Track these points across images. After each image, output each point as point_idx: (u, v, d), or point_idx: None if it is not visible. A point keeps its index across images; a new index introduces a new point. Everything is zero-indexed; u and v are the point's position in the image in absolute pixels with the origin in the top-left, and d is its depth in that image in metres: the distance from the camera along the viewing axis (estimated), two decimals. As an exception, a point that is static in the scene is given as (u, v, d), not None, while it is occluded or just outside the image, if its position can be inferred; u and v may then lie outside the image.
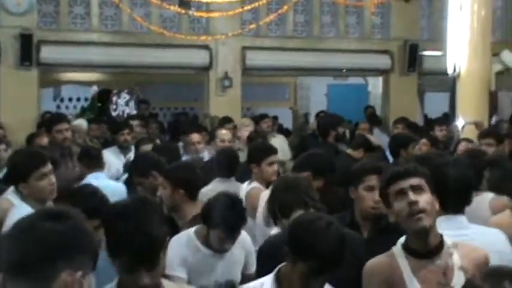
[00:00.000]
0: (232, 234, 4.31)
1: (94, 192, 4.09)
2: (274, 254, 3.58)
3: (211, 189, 6.04)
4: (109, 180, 6.54)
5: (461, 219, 3.86)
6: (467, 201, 3.96)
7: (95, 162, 6.63)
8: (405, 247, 3.35)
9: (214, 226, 4.28)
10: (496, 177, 5.42)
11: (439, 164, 4.00)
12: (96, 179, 6.07)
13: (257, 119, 11.42)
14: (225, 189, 6.29)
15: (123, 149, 8.72)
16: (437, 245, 3.32)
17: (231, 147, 8.06)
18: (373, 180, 4.48)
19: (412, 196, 3.25)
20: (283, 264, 3.28)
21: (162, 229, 2.92)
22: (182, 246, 4.34)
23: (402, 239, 3.41)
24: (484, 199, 5.22)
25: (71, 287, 1.98)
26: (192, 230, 4.49)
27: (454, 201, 3.81)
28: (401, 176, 3.32)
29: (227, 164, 6.66)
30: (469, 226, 3.85)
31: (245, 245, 4.61)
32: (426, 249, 3.31)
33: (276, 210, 4.17)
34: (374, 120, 13.75)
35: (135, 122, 9.92)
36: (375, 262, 3.44)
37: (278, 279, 3.25)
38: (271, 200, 4.31)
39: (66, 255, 1.99)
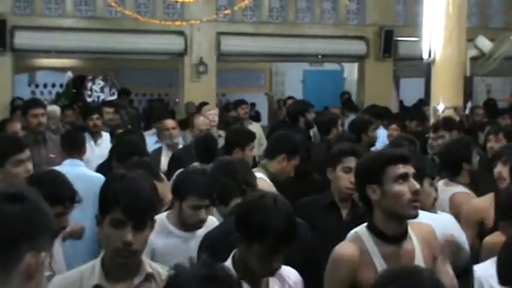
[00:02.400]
0: (204, 199, 4.21)
1: (55, 178, 3.90)
2: (218, 246, 3.58)
3: None
4: (86, 169, 6.43)
5: None
6: None
7: (74, 148, 6.50)
8: (373, 231, 3.33)
9: (186, 194, 4.22)
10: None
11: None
12: (72, 166, 5.99)
13: (234, 105, 11.40)
14: None
15: (93, 134, 8.65)
16: (406, 229, 3.36)
17: (209, 133, 8.02)
18: (351, 162, 4.62)
19: (416, 184, 3.27)
20: (235, 251, 3.24)
21: (153, 194, 2.98)
22: None
23: (365, 223, 3.41)
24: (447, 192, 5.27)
25: (35, 269, 1.96)
26: (163, 214, 4.46)
27: None
28: (404, 160, 3.31)
29: (206, 150, 6.65)
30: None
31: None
32: (399, 234, 3.32)
33: (214, 197, 4.11)
34: (350, 106, 13.75)
35: (108, 109, 9.85)
36: (343, 249, 3.38)
37: (235, 266, 3.17)
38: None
39: (29, 237, 1.96)
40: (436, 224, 3.76)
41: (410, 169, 3.29)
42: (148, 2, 14.31)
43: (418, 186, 3.27)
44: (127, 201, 2.84)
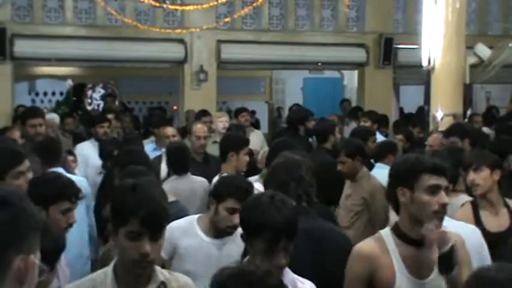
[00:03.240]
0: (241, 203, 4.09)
1: (59, 176, 4.15)
2: None
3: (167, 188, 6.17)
4: (69, 175, 6.42)
5: None
6: None
7: (53, 158, 6.47)
8: (397, 232, 3.39)
9: (225, 196, 4.23)
10: None
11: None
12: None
13: (236, 113, 11.45)
14: (182, 187, 6.35)
15: (100, 142, 8.68)
16: None
17: (183, 142, 8.02)
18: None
19: (445, 198, 3.32)
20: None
21: (165, 202, 3.00)
22: (175, 231, 4.27)
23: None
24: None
25: (26, 273, 1.91)
26: (195, 216, 4.51)
27: None
28: (440, 172, 3.36)
29: (180, 160, 6.66)
30: (447, 219, 3.89)
31: (239, 241, 4.50)
32: (422, 238, 3.35)
33: None
34: (353, 114, 13.74)
35: (110, 116, 9.89)
36: (364, 246, 3.47)
37: None
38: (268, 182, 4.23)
39: (17, 242, 1.91)
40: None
41: (443, 182, 3.34)
42: (148, 10, 14.32)
43: (446, 200, 3.32)
44: (144, 213, 2.82)
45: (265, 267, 3.01)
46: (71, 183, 4.06)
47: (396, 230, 3.39)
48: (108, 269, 2.97)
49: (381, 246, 3.38)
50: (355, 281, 3.40)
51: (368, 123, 9.95)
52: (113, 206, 2.98)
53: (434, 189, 3.30)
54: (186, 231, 4.37)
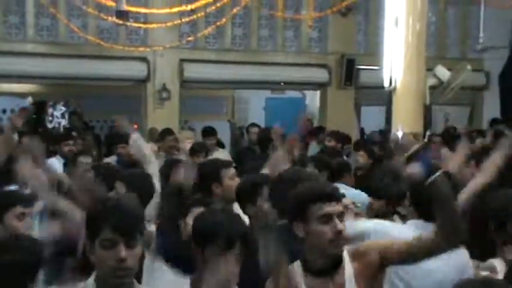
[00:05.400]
0: None
1: None
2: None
3: None
4: None
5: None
6: None
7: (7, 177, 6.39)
8: (304, 264, 3.26)
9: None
10: None
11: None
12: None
13: (202, 134, 11.44)
14: None
15: (68, 159, 8.63)
16: (338, 261, 3.27)
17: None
18: None
19: (339, 225, 3.18)
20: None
21: (139, 209, 2.99)
22: None
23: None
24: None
25: None
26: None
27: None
28: (329, 198, 3.23)
29: None
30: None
31: None
32: (328, 267, 3.24)
33: None
34: (314, 134, 13.81)
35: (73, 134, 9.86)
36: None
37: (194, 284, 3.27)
38: None
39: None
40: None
41: (335, 207, 3.20)
42: (111, 27, 14.27)
43: (341, 226, 3.18)
44: (116, 218, 2.82)
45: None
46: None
47: (303, 261, 3.26)
48: (90, 281, 2.92)
49: (291, 279, 3.23)
50: None
51: (332, 143, 10.03)
52: (87, 217, 2.96)
53: (326, 218, 3.18)
54: None
